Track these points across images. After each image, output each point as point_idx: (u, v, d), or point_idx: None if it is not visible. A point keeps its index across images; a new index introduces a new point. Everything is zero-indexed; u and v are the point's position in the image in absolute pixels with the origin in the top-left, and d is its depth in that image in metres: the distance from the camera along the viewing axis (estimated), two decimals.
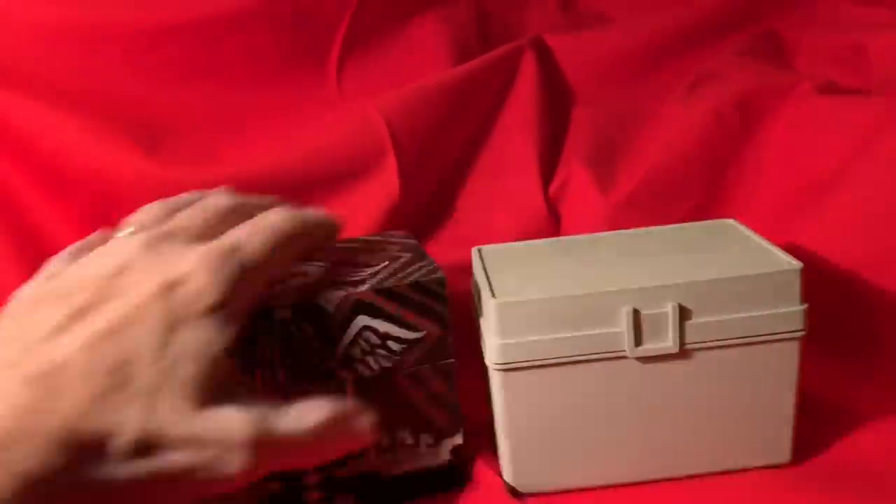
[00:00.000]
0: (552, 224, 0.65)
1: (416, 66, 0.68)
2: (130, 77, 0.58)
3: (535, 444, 0.45)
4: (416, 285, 0.44)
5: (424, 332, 0.45)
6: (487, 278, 0.47)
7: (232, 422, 0.31)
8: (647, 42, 0.77)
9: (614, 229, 0.60)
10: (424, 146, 0.63)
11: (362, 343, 0.44)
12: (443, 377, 0.45)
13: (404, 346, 0.44)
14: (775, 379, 0.45)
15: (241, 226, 0.37)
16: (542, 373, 0.44)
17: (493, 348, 0.44)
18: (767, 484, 0.46)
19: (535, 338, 0.43)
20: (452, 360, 0.45)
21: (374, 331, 0.44)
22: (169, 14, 0.58)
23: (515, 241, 0.60)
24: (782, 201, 0.63)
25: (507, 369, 0.44)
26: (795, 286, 0.44)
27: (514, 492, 0.46)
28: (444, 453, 0.46)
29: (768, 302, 0.44)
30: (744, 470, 0.46)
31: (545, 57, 0.74)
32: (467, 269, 0.57)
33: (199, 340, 0.31)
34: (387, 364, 0.44)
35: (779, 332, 0.44)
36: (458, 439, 0.46)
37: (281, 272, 0.42)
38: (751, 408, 0.45)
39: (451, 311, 0.48)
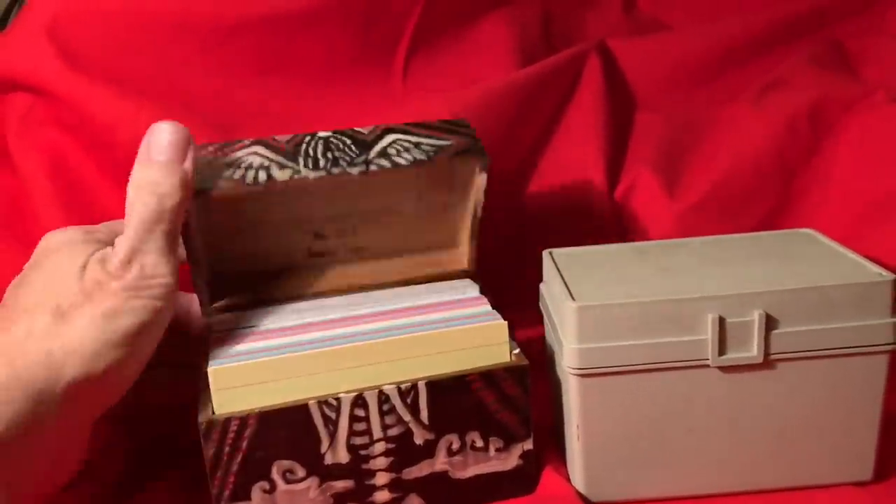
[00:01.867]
0: (618, 228, 0.64)
1: (481, 66, 0.68)
2: (206, 70, 0.58)
3: (609, 452, 0.44)
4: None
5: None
6: (564, 281, 0.46)
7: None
8: (711, 49, 0.76)
9: (682, 235, 0.60)
10: (489, 147, 0.62)
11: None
12: (516, 379, 0.44)
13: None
14: (861, 393, 0.44)
15: None
16: (621, 379, 0.43)
17: (570, 353, 0.43)
18: (848, 501, 0.44)
19: (615, 343, 0.42)
20: (527, 363, 0.45)
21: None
22: (245, 8, 0.59)
23: (580, 244, 0.60)
24: (854, 213, 0.61)
25: (585, 374, 0.43)
26: (886, 297, 0.42)
27: (585, 500, 0.45)
28: (514, 458, 0.46)
29: (857, 313, 0.42)
30: (824, 486, 0.45)
31: (609, 61, 0.74)
32: (534, 274, 0.56)
33: None
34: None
35: (867, 344, 0.43)
36: (529, 444, 0.46)
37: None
38: (834, 422, 0.44)
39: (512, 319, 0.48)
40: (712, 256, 0.49)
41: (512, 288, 0.62)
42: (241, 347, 0.44)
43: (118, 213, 0.40)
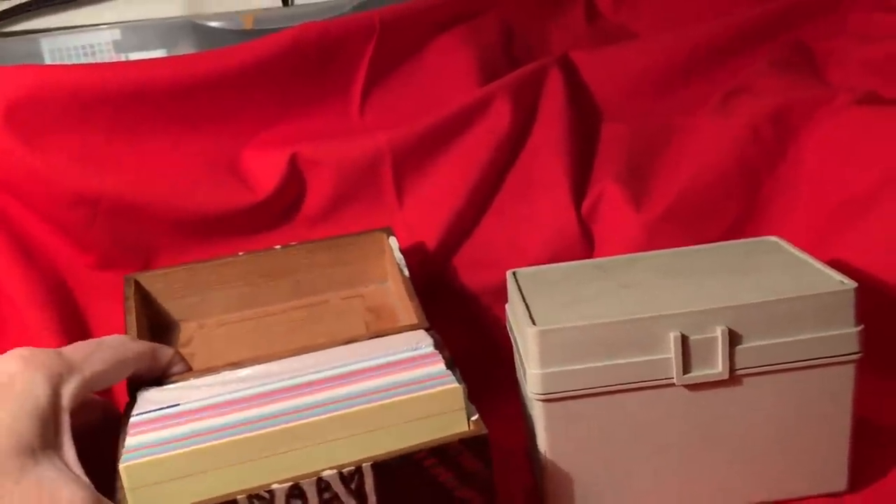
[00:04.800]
0: (585, 243, 0.63)
1: (441, 90, 0.67)
2: (163, 130, 0.58)
3: (579, 475, 0.44)
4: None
5: None
6: (526, 304, 0.45)
7: None
8: (676, 56, 0.76)
9: (650, 247, 0.59)
10: (439, 172, 0.63)
11: None
12: (475, 452, 0.39)
13: None
14: (830, 404, 0.43)
15: None
16: (586, 402, 0.42)
17: (534, 378, 0.42)
18: None
19: (579, 366, 0.42)
20: (485, 432, 0.39)
21: None
22: (198, 68, 0.59)
23: (548, 261, 0.60)
24: (823, 216, 0.61)
25: (550, 399, 0.42)
26: (850, 306, 0.42)
27: None
28: None
29: (822, 324, 0.42)
30: (799, 499, 0.45)
31: (572, 74, 0.73)
32: (500, 293, 0.55)
33: None
34: None
35: (833, 354, 0.42)
36: None
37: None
38: (805, 434, 0.44)
39: (483, 337, 0.46)
40: (674, 270, 0.48)
41: (483, 309, 0.63)
42: (161, 434, 0.39)
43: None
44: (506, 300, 0.52)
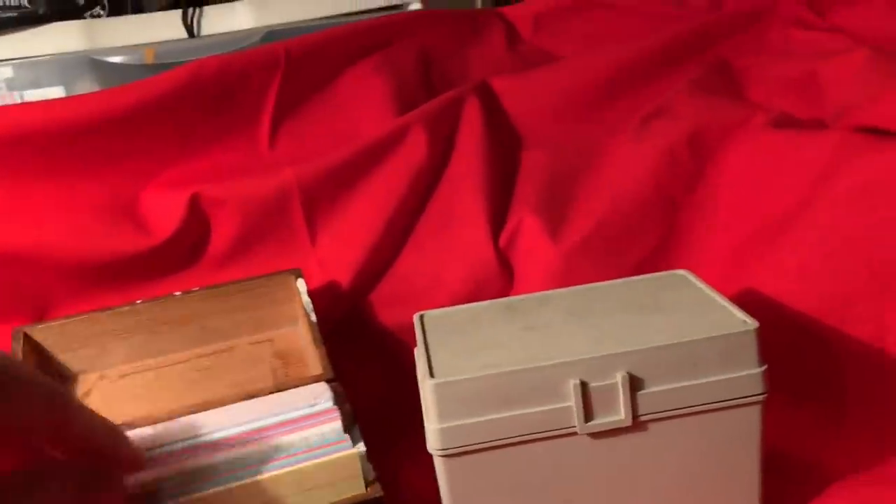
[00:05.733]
0: (505, 276, 0.62)
1: (355, 120, 0.66)
2: (57, 173, 0.56)
3: None
4: None
5: None
6: (427, 352, 0.44)
7: None
8: (596, 79, 0.76)
9: (568, 277, 0.58)
10: (353, 207, 0.61)
11: None
12: None
13: None
14: (738, 445, 0.42)
15: None
16: (488, 456, 0.41)
17: (433, 433, 0.40)
18: None
19: (478, 419, 0.40)
20: (381, 494, 0.40)
21: None
22: (96, 107, 0.56)
23: (468, 295, 0.58)
24: (739, 242, 0.60)
25: (450, 455, 0.40)
26: (752, 347, 0.41)
27: None
28: None
29: (725, 365, 0.41)
30: None
31: (491, 100, 0.72)
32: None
33: None
34: None
35: (738, 396, 0.41)
36: None
37: None
38: (714, 477, 0.42)
39: (401, 378, 0.43)
40: (582, 310, 0.47)
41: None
42: None
43: None
44: None
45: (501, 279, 0.62)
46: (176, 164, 0.60)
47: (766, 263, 0.57)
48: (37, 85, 0.63)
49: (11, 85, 0.62)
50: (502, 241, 0.62)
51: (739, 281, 0.57)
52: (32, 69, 0.63)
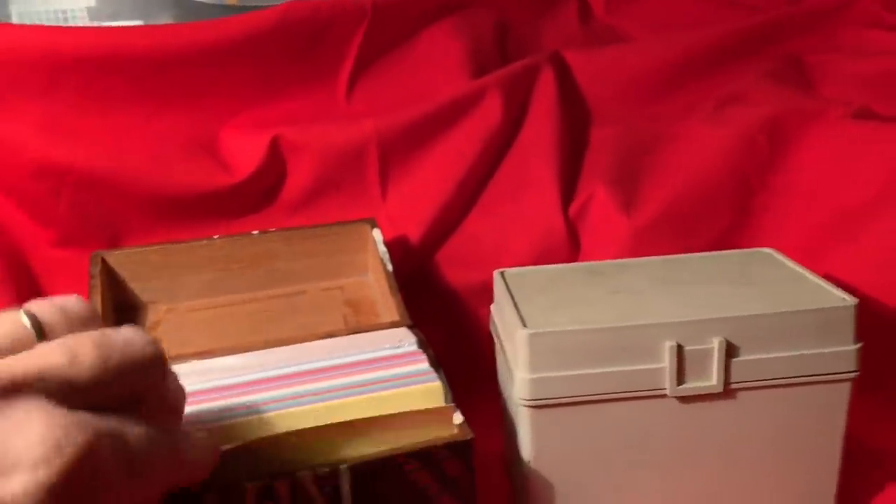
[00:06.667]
0: (572, 245, 0.61)
1: (430, 80, 0.65)
2: (139, 102, 0.55)
3: (563, 486, 0.42)
4: None
5: None
6: (515, 306, 0.43)
7: None
8: (668, 62, 0.75)
9: (638, 253, 0.57)
10: (425, 165, 0.60)
11: None
12: (459, 457, 0.37)
13: None
14: (823, 422, 0.42)
15: None
16: (575, 411, 0.40)
17: (522, 383, 0.40)
18: None
19: (569, 373, 0.40)
20: (471, 436, 0.37)
21: None
22: (177, 40, 0.56)
23: (533, 262, 0.58)
24: (814, 229, 0.60)
25: (538, 406, 0.40)
26: (850, 324, 0.41)
27: None
28: None
29: (821, 340, 0.40)
30: None
31: (564, 73, 0.72)
32: (483, 292, 0.53)
33: None
34: None
35: (830, 372, 0.41)
36: None
37: None
38: (796, 452, 0.42)
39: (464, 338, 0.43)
40: (667, 278, 0.46)
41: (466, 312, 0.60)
42: None
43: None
44: (489, 300, 0.50)
45: (568, 248, 0.61)
46: (256, 106, 0.59)
47: (843, 251, 0.57)
48: (117, 17, 0.63)
49: (93, 15, 0.62)
50: (572, 211, 0.62)
51: (815, 268, 0.56)
52: (114, 1, 0.63)
